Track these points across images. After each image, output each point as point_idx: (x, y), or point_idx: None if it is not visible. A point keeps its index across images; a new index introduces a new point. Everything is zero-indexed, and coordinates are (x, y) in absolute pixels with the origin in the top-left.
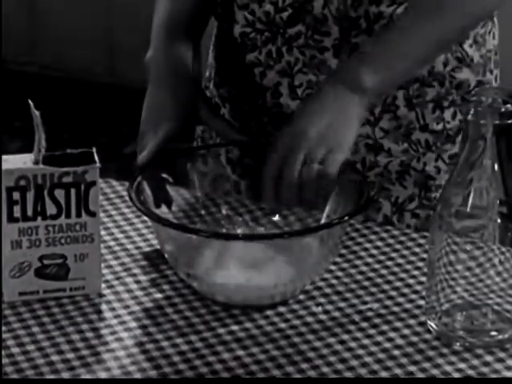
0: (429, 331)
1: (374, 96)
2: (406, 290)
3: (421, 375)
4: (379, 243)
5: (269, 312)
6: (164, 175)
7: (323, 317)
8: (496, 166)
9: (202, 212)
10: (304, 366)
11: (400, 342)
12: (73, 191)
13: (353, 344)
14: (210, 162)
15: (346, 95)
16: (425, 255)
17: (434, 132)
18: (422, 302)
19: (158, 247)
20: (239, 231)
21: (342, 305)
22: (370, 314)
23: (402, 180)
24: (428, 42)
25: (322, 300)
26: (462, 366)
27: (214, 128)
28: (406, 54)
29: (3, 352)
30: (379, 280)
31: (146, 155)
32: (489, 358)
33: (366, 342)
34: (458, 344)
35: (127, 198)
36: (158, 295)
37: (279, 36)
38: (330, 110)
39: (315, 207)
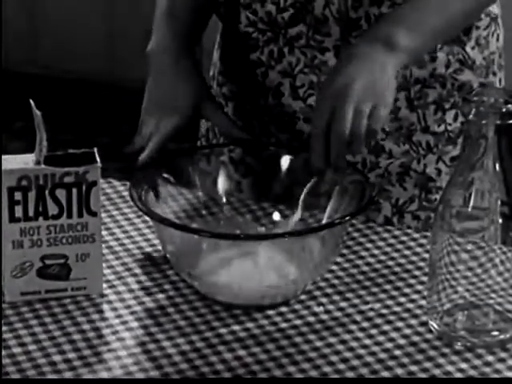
0: (430, 331)
1: (408, 55)
2: (407, 290)
3: (422, 375)
4: (381, 243)
5: (270, 312)
6: (165, 175)
7: (324, 317)
8: (497, 167)
9: (204, 212)
10: (305, 365)
11: (401, 341)
12: (74, 191)
13: (354, 344)
14: (212, 161)
15: (383, 54)
16: (426, 255)
17: (435, 134)
18: (423, 302)
19: (160, 247)
20: (241, 231)
21: (344, 305)
22: (371, 313)
23: (403, 181)
24: (462, 2)
25: (323, 300)
26: (463, 366)
27: (217, 124)
28: (441, 12)
29: (5, 352)
30: (380, 280)
31: (147, 154)
32: (490, 358)
33: (367, 341)
34: (459, 344)
35: (128, 198)
36: (160, 295)
37: (281, 36)
38: (369, 68)
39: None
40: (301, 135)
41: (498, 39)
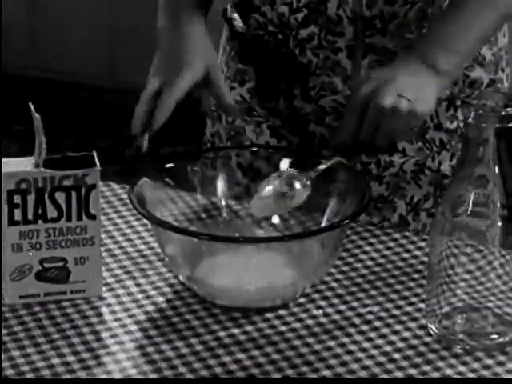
0: (429, 334)
1: (449, 79)
2: (406, 293)
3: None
4: (379, 246)
5: (269, 315)
6: (164, 178)
7: (323, 320)
8: (497, 170)
9: (203, 215)
10: (304, 369)
11: (400, 345)
12: (73, 194)
13: (353, 347)
14: (213, 164)
15: (428, 73)
16: (425, 258)
17: (448, 131)
18: (422, 305)
19: (159, 250)
20: (240, 234)
21: (343, 308)
22: (370, 317)
23: (417, 179)
24: (494, 19)
25: (322, 303)
26: (462, 369)
27: (217, 97)
28: (476, 36)
29: (4, 355)
30: (379, 283)
31: (162, 114)
32: (489, 361)
33: (366, 345)
34: (458, 347)
35: (127, 201)
36: (159, 298)
37: (291, 38)
38: (416, 71)
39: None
40: (313, 138)
41: (504, 36)
